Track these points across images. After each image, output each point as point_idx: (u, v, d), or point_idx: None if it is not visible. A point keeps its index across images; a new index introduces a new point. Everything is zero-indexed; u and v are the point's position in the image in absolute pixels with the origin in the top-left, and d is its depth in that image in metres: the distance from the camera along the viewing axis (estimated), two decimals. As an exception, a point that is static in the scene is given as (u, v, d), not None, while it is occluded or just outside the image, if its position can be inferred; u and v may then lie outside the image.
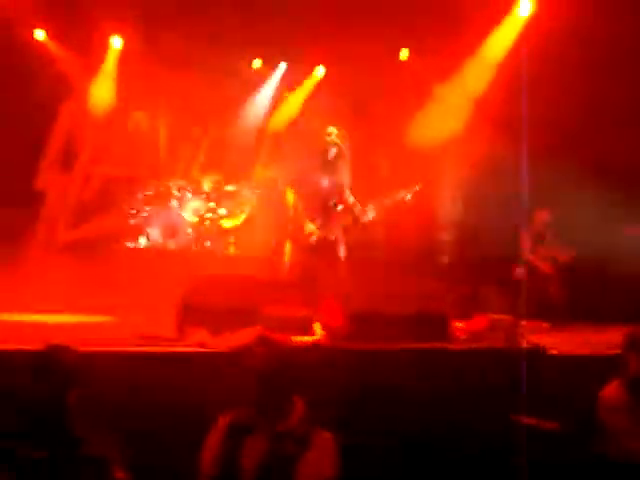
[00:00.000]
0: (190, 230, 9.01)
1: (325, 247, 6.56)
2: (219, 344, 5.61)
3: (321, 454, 3.06)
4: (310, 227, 6.56)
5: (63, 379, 3.80)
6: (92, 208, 9.55)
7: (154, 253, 8.92)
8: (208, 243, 8.89)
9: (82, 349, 4.14)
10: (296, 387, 3.21)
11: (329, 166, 6.66)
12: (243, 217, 8.91)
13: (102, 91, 9.32)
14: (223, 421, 3.23)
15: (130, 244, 9.14)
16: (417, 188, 6.83)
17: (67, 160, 9.52)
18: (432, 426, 4.75)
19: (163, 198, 9.32)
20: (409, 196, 6.70)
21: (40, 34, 9.08)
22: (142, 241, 9.18)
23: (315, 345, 5.60)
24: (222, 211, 8.82)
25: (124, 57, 9.25)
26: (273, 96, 9.64)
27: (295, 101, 9.67)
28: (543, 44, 7.81)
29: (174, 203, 9.25)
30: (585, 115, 8.49)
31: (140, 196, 9.37)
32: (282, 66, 9.58)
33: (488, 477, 4.34)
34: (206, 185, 9.04)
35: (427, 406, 4.96)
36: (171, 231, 9.16)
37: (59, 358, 3.86)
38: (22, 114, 8.99)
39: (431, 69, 9.24)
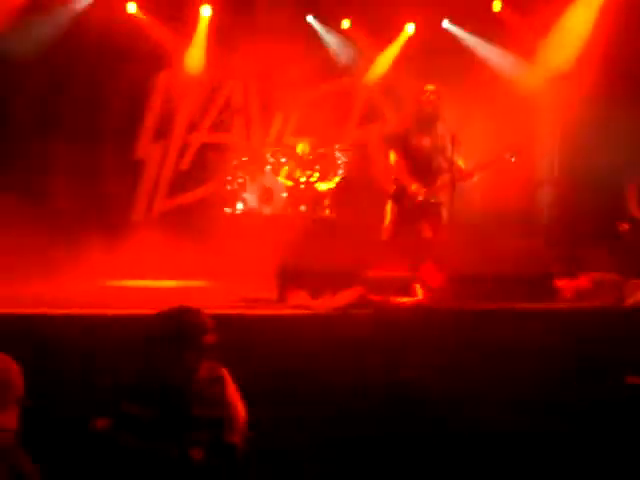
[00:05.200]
0: (285, 194, 9.05)
1: (427, 208, 6.42)
2: (320, 306, 5.64)
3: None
4: (415, 187, 6.40)
5: (178, 341, 3.86)
6: (189, 176, 9.72)
7: (251, 218, 9.02)
8: (303, 207, 8.91)
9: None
10: None
11: (427, 126, 6.47)
12: (337, 179, 8.87)
13: (195, 60, 9.42)
14: None
15: (227, 210, 9.28)
16: (512, 159, 6.43)
17: (164, 129, 9.70)
18: (543, 386, 4.64)
19: (257, 164, 9.40)
20: (513, 158, 6.38)
21: (132, 7, 9.21)
22: (239, 207, 9.30)
23: (415, 306, 5.55)
24: (316, 174, 8.80)
25: (215, 25, 9.29)
26: (364, 56, 9.50)
27: (387, 60, 9.51)
28: None
29: (268, 168, 9.32)
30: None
31: (235, 162, 9.47)
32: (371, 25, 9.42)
33: (602, 438, 4.20)
34: (299, 149, 9.04)
35: (536, 366, 4.85)
36: (266, 196, 9.23)
37: (176, 320, 3.93)
38: (121, 86, 9.20)
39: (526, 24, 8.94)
